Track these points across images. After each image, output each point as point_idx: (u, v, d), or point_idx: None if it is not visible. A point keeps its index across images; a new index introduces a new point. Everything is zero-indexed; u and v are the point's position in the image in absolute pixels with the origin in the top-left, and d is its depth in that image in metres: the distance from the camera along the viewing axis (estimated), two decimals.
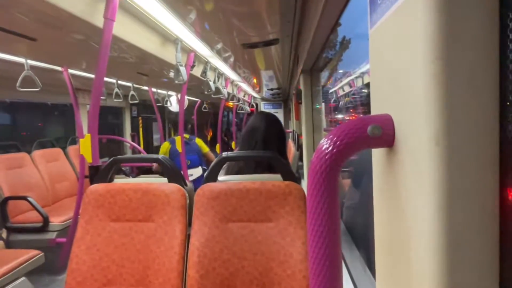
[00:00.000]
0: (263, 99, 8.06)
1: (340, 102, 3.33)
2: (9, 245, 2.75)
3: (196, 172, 3.66)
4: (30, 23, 1.42)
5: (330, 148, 0.37)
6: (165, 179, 1.34)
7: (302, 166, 3.46)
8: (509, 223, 0.30)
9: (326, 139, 0.38)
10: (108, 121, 5.82)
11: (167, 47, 2.11)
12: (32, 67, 2.19)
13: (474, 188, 0.30)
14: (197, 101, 6.22)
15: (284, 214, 1.17)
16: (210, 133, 8.10)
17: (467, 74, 0.29)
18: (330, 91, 3.58)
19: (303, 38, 1.98)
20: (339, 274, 0.39)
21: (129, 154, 4.89)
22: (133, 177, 1.69)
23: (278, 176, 1.25)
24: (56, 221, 2.91)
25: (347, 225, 1.74)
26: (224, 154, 1.29)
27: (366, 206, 1.30)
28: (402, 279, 0.39)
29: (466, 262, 0.31)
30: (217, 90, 3.05)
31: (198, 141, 3.77)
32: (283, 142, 1.51)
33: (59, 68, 2.61)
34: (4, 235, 2.78)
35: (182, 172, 2.20)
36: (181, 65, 2.07)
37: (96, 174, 1.39)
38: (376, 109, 0.46)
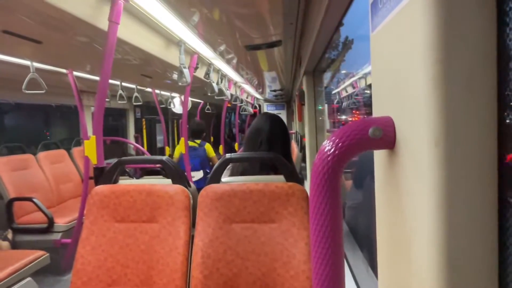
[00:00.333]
0: (266, 100, 8.07)
1: (343, 103, 3.33)
2: (14, 245, 2.77)
3: (197, 175, 3.74)
4: (36, 26, 1.44)
5: (332, 150, 0.38)
6: (169, 181, 1.35)
7: (305, 167, 3.46)
8: (508, 223, 0.31)
9: (328, 141, 0.39)
10: (111, 123, 5.85)
11: (171, 49, 2.13)
12: (38, 70, 2.22)
13: (473, 189, 0.31)
14: (200, 102, 6.24)
15: (287, 215, 1.18)
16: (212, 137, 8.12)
17: (466, 77, 0.30)
18: (333, 92, 3.58)
19: (305, 39, 1.99)
20: (342, 275, 0.39)
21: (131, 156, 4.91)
22: (137, 178, 1.70)
23: (281, 177, 1.25)
24: (61, 222, 2.93)
25: (350, 225, 1.74)
26: (228, 155, 1.29)
27: (368, 205, 1.30)
28: (403, 279, 0.39)
29: (466, 262, 0.31)
30: (220, 92, 3.06)
31: (207, 147, 3.91)
32: (288, 143, 1.52)
33: (64, 71, 2.63)
34: (9, 236, 2.80)
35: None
36: (184, 67, 2.08)
37: (101, 175, 1.40)
38: (377, 111, 0.46)
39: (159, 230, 1.25)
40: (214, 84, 2.85)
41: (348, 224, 1.76)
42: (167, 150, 5.27)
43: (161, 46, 2.03)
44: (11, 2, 1.18)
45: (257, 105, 7.56)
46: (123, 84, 3.34)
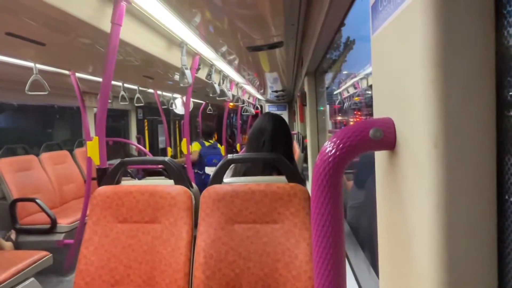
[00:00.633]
0: (267, 101, 8.07)
1: (345, 104, 3.33)
2: (18, 246, 2.79)
3: None
4: (39, 28, 1.45)
5: (333, 151, 0.38)
6: (171, 181, 1.36)
7: (306, 168, 3.46)
8: (507, 223, 0.31)
9: (329, 142, 0.39)
10: (113, 124, 5.87)
11: (173, 51, 2.14)
12: (40, 71, 2.23)
13: (473, 189, 0.31)
14: (202, 103, 6.25)
15: (289, 216, 1.18)
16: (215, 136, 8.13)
17: (465, 80, 0.30)
18: (335, 92, 3.58)
19: (307, 40, 1.99)
20: (343, 275, 0.40)
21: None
22: (139, 179, 1.71)
23: (283, 178, 1.26)
24: (64, 222, 2.94)
25: (351, 225, 1.75)
26: (230, 156, 1.30)
27: (369, 205, 1.30)
28: (404, 279, 0.40)
29: (465, 261, 0.32)
30: (222, 93, 3.07)
31: (220, 147, 4.60)
32: (290, 142, 1.53)
33: (66, 72, 2.65)
34: (13, 236, 2.82)
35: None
36: (186, 68, 2.09)
37: (104, 176, 1.41)
38: (378, 113, 0.47)
39: (162, 231, 1.25)
40: (216, 85, 2.86)
41: (350, 223, 1.77)
42: (169, 151, 5.28)
43: (163, 48, 2.04)
44: (15, 4, 1.19)
45: (258, 106, 7.57)
46: (125, 85, 3.36)
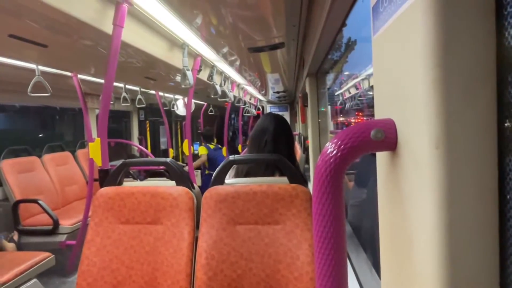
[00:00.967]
0: (269, 102, 8.07)
1: (346, 105, 3.33)
2: (20, 247, 2.80)
3: None
4: (41, 30, 1.45)
5: (334, 152, 0.38)
6: (173, 182, 1.36)
7: (308, 169, 3.46)
8: (509, 224, 0.31)
9: (330, 143, 0.39)
10: (115, 125, 5.88)
11: (174, 52, 2.14)
12: (43, 73, 2.24)
13: (474, 189, 0.31)
14: (203, 104, 6.25)
15: (291, 217, 1.18)
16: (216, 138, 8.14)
17: (466, 81, 0.30)
18: (336, 93, 3.57)
19: (308, 41, 1.99)
20: (345, 276, 0.40)
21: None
22: (141, 180, 1.72)
23: (284, 179, 1.26)
24: (66, 223, 2.95)
25: (352, 223, 1.75)
26: (231, 157, 1.30)
27: (370, 203, 1.30)
28: (406, 280, 0.40)
29: (468, 262, 0.32)
30: (224, 94, 3.07)
31: (221, 147, 5.01)
32: (292, 142, 1.54)
33: (69, 74, 2.66)
34: (15, 237, 2.83)
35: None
36: (187, 69, 2.09)
37: (106, 177, 1.41)
38: (379, 114, 0.47)
39: (164, 232, 1.25)
40: (217, 86, 2.86)
41: (350, 223, 1.77)
42: (171, 152, 5.28)
43: (164, 49, 2.04)
44: (17, 6, 1.20)
45: (260, 107, 7.57)
46: (127, 86, 3.37)
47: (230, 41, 2.10)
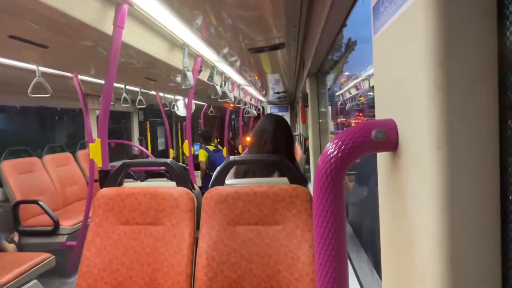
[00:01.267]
0: (269, 102, 8.07)
1: (347, 105, 3.32)
2: (20, 248, 2.80)
3: None
4: (42, 31, 1.45)
5: (335, 152, 0.38)
6: (173, 183, 1.36)
7: (308, 169, 3.45)
8: (510, 224, 0.31)
9: (331, 144, 0.39)
10: (115, 126, 5.88)
11: (174, 53, 2.14)
12: (43, 74, 2.24)
13: (476, 190, 0.31)
14: (203, 105, 6.26)
15: (291, 217, 1.18)
16: (216, 139, 8.15)
17: (467, 81, 0.30)
18: (337, 93, 3.57)
19: (308, 42, 1.99)
20: (346, 277, 0.40)
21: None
22: (142, 180, 1.71)
23: (285, 180, 1.26)
24: (67, 224, 2.95)
25: (352, 222, 1.74)
26: (231, 158, 1.30)
27: (370, 201, 1.30)
28: (408, 281, 0.39)
29: (469, 262, 0.31)
30: (224, 94, 3.07)
31: (221, 148, 5.13)
32: (291, 142, 1.56)
33: (69, 74, 2.66)
34: (16, 238, 2.83)
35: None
36: (188, 70, 2.09)
37: (106, 178, 1.41)
38: (380, 114, 0.47)
39: (164, 233, 1.25)
40: (218, 87, 2.86)
41: (351, 222, 1.77)
42: (171, 152, 5.28)
43: (165, 50, 2.05)
44: (18, 7, 1.20)
45: (260, 108, 7.57)
46: (127, 87, 3.37)
47: (231, 41, 2.10)
